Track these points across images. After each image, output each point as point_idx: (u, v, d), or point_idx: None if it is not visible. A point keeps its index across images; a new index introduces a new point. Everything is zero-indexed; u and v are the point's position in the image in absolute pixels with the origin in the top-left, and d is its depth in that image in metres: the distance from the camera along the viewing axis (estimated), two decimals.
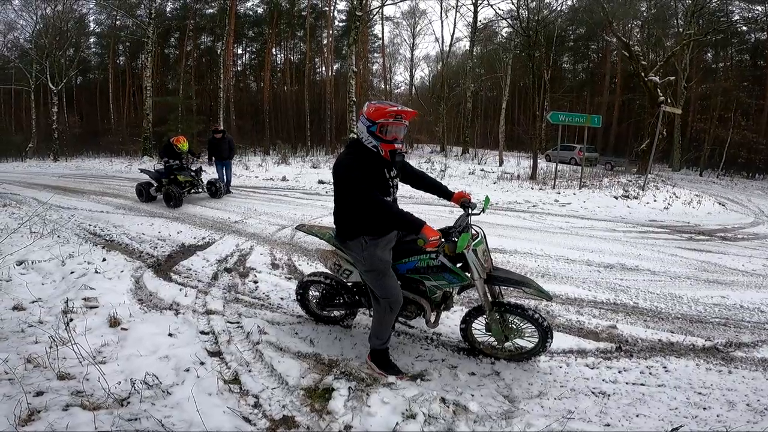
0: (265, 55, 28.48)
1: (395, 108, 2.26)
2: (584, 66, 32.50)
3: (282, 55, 30.80)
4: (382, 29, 29.09)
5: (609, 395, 2.37)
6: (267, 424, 2.05)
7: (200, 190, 7.98)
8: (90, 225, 5.92)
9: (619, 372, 2.62)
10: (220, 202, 7.89)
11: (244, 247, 5.00)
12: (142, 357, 2.51)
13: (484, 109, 32.61)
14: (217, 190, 8.20)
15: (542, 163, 15.78)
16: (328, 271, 2.83)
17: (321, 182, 10.61)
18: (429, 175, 2.81)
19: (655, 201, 9.18)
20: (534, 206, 8.66)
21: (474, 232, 2.44)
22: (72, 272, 3.92)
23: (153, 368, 2.35)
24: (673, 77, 18.65)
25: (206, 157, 9.07)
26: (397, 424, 2.01)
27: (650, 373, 2.61)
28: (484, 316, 2.62)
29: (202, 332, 2.92)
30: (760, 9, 22.71)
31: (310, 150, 22.44)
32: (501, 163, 18.07)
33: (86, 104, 28.79)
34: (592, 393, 2.39)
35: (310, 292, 3.08)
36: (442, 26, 60.10)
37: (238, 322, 3.07)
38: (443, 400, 2.22)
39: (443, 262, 2.44)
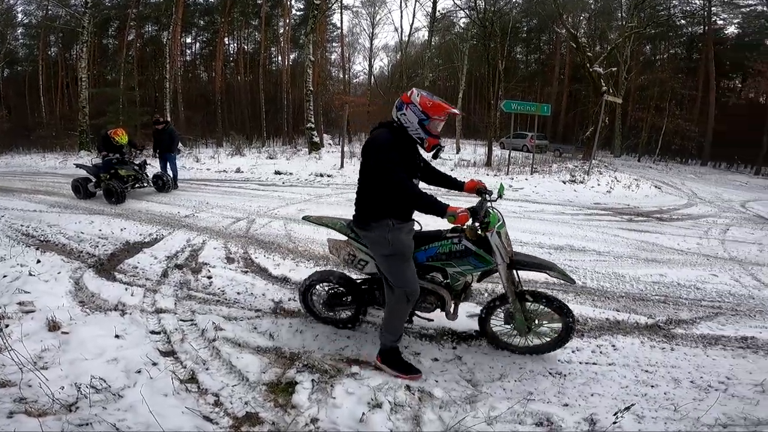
0: (217, 45, 27.12)
1: (452, 109, 2.29)
2: (536, 57, 33.70)
3: (235, 44, 29.48)
4: (341, 18, 28.56)
5: (565, 375, 2.45)
6: (230, 422, 2.00)
7: (145, 184, 7.52)
8: (22, 225, 5.41)
9: (573, 352, 2.70)
10: (168, 197, 7.48)
11: (195, 242, 4.78)
12: (88, 361, 2.36)
13: (443, 97, 33.01)
14: (164, 183, 7.76)
15: (497, 151, 16.31)
16: (334, 269, 2.82)
17: (278, 173, 10.34)
18: (437, 168, 2.74)
19: (598, 185, 9.76)
20: None
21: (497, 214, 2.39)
22: (4, 276, 3.57)
23: (100, 372, 2.21)
24: (615, 68, 19.84)
25: (152, 149, 8.54)
26: (363, 414, 2.01)
27: (600, 352, 2.71)
28: (506, 306, 2.56)
29: (153, 332, 2.77)
30: (697, 2, 24.56)
31: (267, 141, 21.76)
32: (458, 150, 18.48)
33: (14, 97, 26.16)
34: (549, 374, 2.46)
35: (315, 293, 2.89)
36: (401, 16, 60.11)
37: (191, 320, 2.94)
38: (408, 387, 2.24)
39: (467, 246, 2.38)
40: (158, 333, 2.77)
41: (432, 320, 2.79)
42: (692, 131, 23.48)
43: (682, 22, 26.37)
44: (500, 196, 2.57)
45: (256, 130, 24.78)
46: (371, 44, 30.21)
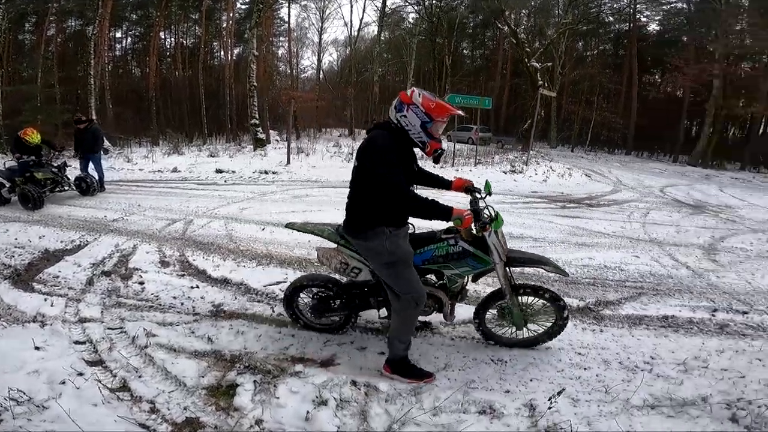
0: (152, 39, 25.29)
1: (456, 110, 2.20)
2: (481, 53, 34.82)
3: (173, 39, 27.70)
4: (289, 12, 27.66)
5: (506, 362, 2.50)
6: (169, 429, 1.92)
7: (66, 188, 6.89)
8: None
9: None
10: (93, 200, 6.91)
11: (125, 246, 4.46)
12: (6, 374, 2.18)
13: (392, 92, 33.34)
14: (89, 186, 7.14)
15: (445, 143, 16.70)
16: (322, 273, 2.69)
17: (219, 171, 9.91)
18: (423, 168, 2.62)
19: (536, 174, 10.36)
20: None
21: (492, 213, 2.33)
22: None
23: (20, 384, 2.06)
24: (551, 63, 21.06)
25: (73, 150, 7.82)
26: (308, 412, 1.99)
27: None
28: (500, 302, 2.56)
29: (77, 342, 2.58)
30: (624, 0, 26.59)
31: (208, 138, 20.73)
32: None
33: None
34: (492, 361, 2.50)
35: (301, 299, 2.75)
36: (351, 11, 59.29)
37: (120, 328, 2.76)
38: (354, 383, 2.24)
39: (464, 248, 2.34)
40: (83, 343, 2.59)
41: (430, 324, 2.81)
42: (618, 123, 25.55)
43: (611, 19, 28.45)
44: (489, 193, 2.55)
45: (196, 127, 23.53)
46: (320, 39, 29.67)
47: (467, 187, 2.57)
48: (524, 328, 2.61)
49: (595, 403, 2.13)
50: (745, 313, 3.38)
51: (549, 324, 2.61)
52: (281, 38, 29.78)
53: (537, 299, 2.57)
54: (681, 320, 3.16)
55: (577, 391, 2.23)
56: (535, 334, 2.64)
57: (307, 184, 8.42)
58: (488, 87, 30.84)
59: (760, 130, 23.73)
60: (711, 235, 5.81)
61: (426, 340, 2.73)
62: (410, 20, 27.52)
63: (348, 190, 2.27)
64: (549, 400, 2.08)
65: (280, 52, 30.09)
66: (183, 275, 3.74)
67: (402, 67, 26.85)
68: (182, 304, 3.17)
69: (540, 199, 8.02)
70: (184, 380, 2.23)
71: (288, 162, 10.78)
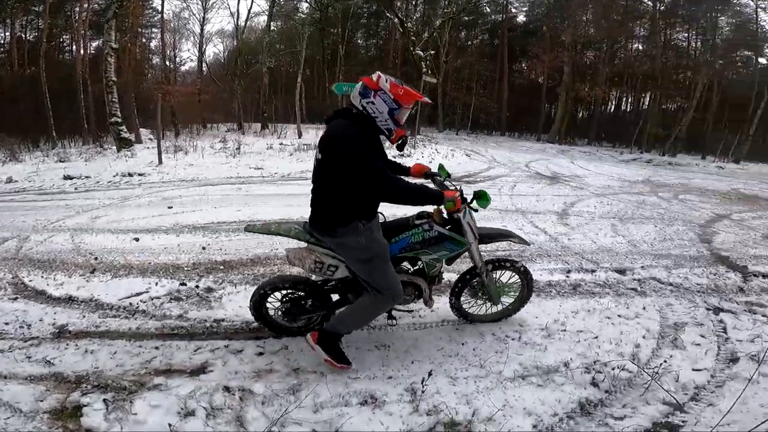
0: None
1: (422, 97, 2.11)
2: (375, 42, 35.49)
3: (7, 33, 22.67)
4: (162, 2, 24.47)
5: (389, 346, 2.48)
6: None
7: None
8: None
9: (396, 320, 2.70)
10: None
11: None
12: None
13: (285, 83, 32.16)
14: None
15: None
16: (288, 274, 2.45)
17: (69, 178, 8.41)
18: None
19: (422, 157, 10.93)
20: None
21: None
22: None
23: None
24: (434, 51, 22.29)
25: None
26: (170, 425, 1.80)
27: (419, 316, 2.82)
28: (476, 280, 2.59)
29: None
30: None
31: (59, 141, 17.53)
32: (300, 135, 18.22)
33: None
34: (375, 347, 2.47)
35: (269, 304, 2.50)
36: (238, 1, 54.84)
37: None
38: (227, 388, 2.10)
39: (440, 231, 2.30)
40: None
41: (412, 311, 2.72)
42: (493, 107, 28.35)
43: (488, 10, 31.15)
44: (448, 175, 2.58)
45: (44, 130, 19.72)
46: (202, 30, 27.01)
47: (426, 173, 2.57)
48: (499, 302, 2.70)
49: (472, 379, 2.20)
50: (593, 271, 3.84)
51: (518, 294, 2.74)
52: (154, 29, 26.51)
53: (505, 271, 2.68)
54: (542, 284, 3.42)
55: (456, 369, 2.27)
56: (508, 305, 2.76)
57: (181, 184, 7.63)
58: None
59: (602, 110, 28.51)
60: (564, 201, 6.75)
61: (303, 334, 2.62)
62: (303, 10, 26.78)
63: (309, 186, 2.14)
64: (421, 383, 2.08)
65: (153, 44, 26.82)
66: (16, 298, 3.10)
67: (295, 57, 26.03)
68: (15, 329, 2.64)
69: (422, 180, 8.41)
70: (19, 406, 1.95)
71: (160, 162, 9.64)
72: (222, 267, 3.70)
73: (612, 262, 4.16)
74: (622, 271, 3.90)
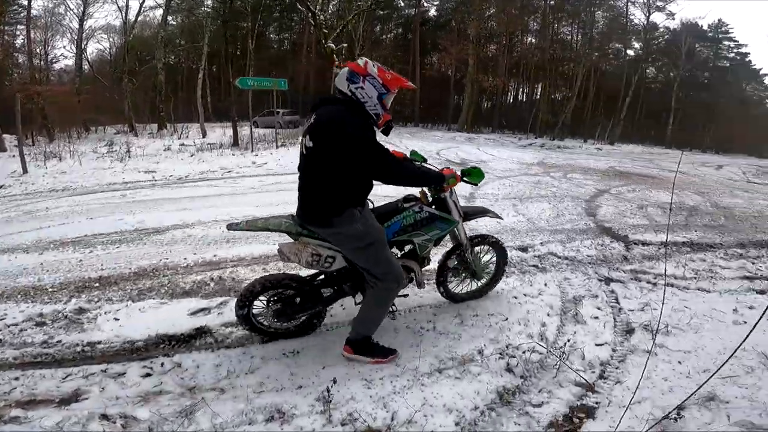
0: None
1: (408, 83, 2.13)
2: (288, 36, 34.12)
3: None
4: None
5: (298, 352, 2.29)
6: None
7: None
8: None
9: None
10: None
11: None
12: None
13: (187, 80, 29.53)
14: None
15: (258, 131, 15.73)
16: (273, 273, 2.42)
17: None
18: None
19: None
20: (229, 171, 8.44)
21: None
22: None
23: None
24: (346, 44, 22.01)
25: None
26: None
27: (330, 315, 2.61)
28: (461, 257, 2.70)
29: None
30: None
31: None
32: (204, 134, 16.80)
33: None
34: (283, 355, 2.27)
35: (257, 309, 2.32)
36: None
37: None
38: (105, 416, 1.83)
39: (430, 212, 2.37)
40: None
41: (407, 295, 2.62)
42: (407, 99, 29.06)
43: (402, 4, 31.60)
44: (424, 160, 2.70)
45: None
46: (81, 25, 23.33)
47: (404, 158, 2.55)
48: (480, 277, 2.83)
49: (388, 379, 2.06)
50: None
51: (494, 268, 2.90)
52: (19, 26, 22.41)
53: (485, 246, 2.84)
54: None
55: (370, 370, 2.13)
56: (487, 280, 2.90)
57: (50, 195, 6.47)
58: (296, 70, 30.65)
59: (503, 101, 30.75)
60: (471, 186, 6.98)
61: (206, 347, 2.35)
62: (208, 3, 24.68)
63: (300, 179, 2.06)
64: (327, 392, 1.91)
65: (18, 41, 22.73)
66: None
67: (198, 52, 23.94)
68: None
69: None
70: None
71: (24, 171, 8.10)
72: (98, 284, 3.19)
73: (515, 240, 4.34)
74: (524, 249, 4.08)
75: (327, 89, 25.66)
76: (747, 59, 37.22)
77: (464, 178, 2.42)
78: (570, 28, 30.39)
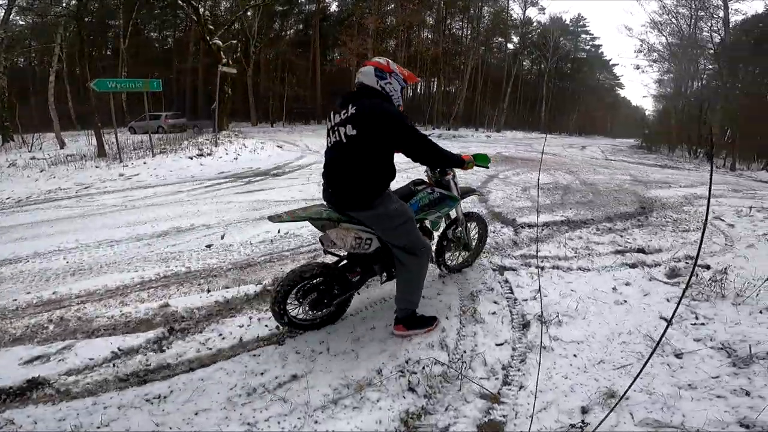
0: None
1: (416, 78, 2.36)
2: (171, 33, 30.76)
3: None
4: None
5: (165, 397, 1.89)
6: None
7: None
8: None
9: (174, 362, 2.17)
10: None
11: None
12: None
13: (40, 84, 24.88)
14: None
15: (135, 138, 13.64)
16: (307, 263, 2.47)
17: None
18: None
19: (227, 154, 9.69)
20: (87, 188, 7.06)
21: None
22: None
23: None
24: (236, 41, 20.37)
25: None
26: None
27: (208, 348, 2.27)
28: (456, 232, 3.04)
29: None
30: None
31: None
32: (62, 145, 14.17)
33: None
34: (146, 401, 1.86)
35: (293, 302, 2.30)
36: None
37: None
38: None
39: (441, 193, 2.69)
40: None
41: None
42: (307, 96, 28.24)
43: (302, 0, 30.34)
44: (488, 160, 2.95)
45: None
46: None
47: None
48: (470, 249, 3.21)
49: (275, 420, 1.74)
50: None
51: (479, 240, 3.31)
52: None
53: (472, 222, 3.22)
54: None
55: (254, 410, 1.79)
56: (473, 251, 3.27)
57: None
58: (180, 69, 27.85)
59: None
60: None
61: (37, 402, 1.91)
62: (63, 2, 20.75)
63: None
64: None
65: None
66: None
67: (51, 53, 20.23)
68: None
69: (225, 179, 7.42)
70: None
71: None
72: None
73: None
74: None
75: (216, 88, 23.85)
76: (600, 51, 43.48)
77: (477, 163, 2.66)
78: (461, 23, 32.37)
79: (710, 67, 19.93)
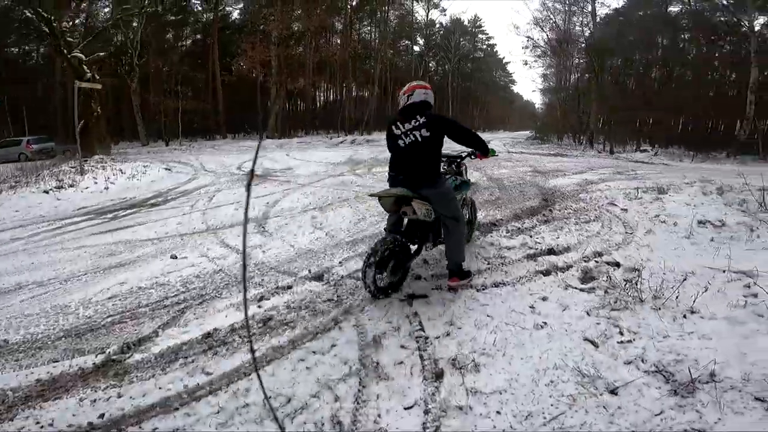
0: None
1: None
2: (35, 48, 26.41)
3: None
4: None
5: None
6: None
7: None
8: None
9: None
10: None
11: None
12: None
13: None
14: None
15: None
16: (383, 238, 2.83)
17: None
18: None
19: (95, 183, 8.09)
20: None
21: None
22: None
23: None
24: (104, 53, 17.78)
25: None
26: None
27: None
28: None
29: None
30: None
31: None
32: None
33: None
34: None
35: (378, 268, 2.74)
36: None
37: None
38: None
39: (462, 179, 3.48)
40: None
41: None
42: (208, 109, 26.04)
43: (199, 8, 27.73)
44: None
45: None
46: None
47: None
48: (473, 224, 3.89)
49: None
50: (289, 287, 3.14)
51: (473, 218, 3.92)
52: None
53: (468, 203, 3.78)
54: (223, 333, 2.51)
55: None
56: (473, 227, 3.89)
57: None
58: (54, 86, 23.95)
59: (316, 102, 30.65)
60: (267, 202, 5.95)
61: None
62: None
63: None
64: None
65: None
66: None
67: None
68: None
69: (83, 217, 5.98)
70: None
71: None
72: None
73: (311, 266, 3.58)
74: (320, 277, 3.33)
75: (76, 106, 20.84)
76: (495, 50, 46.85)
77: (492, 154, 3.22)
78: (369, 28, 32.47)
79: (583, 60, 22.20)
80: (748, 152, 14.46)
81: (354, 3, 29.90)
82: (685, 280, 2.70)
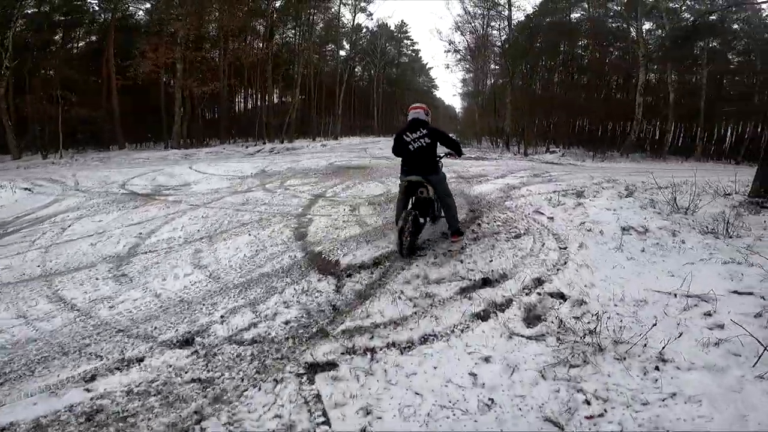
0: None
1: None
2: None
3: None
4: None
5: None
6: None
7: None
8: None
9: None
10: None
11: None
12: None
13: None
14: None
15: None
16: (405, 210, 3.74)
17: None
18: None
19: None
20: None
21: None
22: None
23: None
24: None
25: None
26: None
27: None
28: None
29: None
30: None
31: None
32: None
33: None
34: None
35: (409, 230, 3.60)
36: None
37: None
38: None
39: (443, 173, 4.12)
40: None
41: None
42: (101, 117, 22.72)
43: (96, 8, 24.03)
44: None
45: None
46: None
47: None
48: None
49: None
50: (140, 360, 2.23)
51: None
52: None
53: None
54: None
55: None
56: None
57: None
58: None
59: (232, 109, 28.33)
60: (140, 231, 4.68)
61: None
62: None
63: None
64: None
65: None
66: None
67: None
68: None
69: None
70: None
71: None
72: None
73: (178, 324, 2.63)
74: (188, 341, 2.42)
75: None
76: (419, 55, 47.81)
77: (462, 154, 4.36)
78: (294, 31, 30.92)
79: (498, 64, 23.14)
80: (638, 150, 16.05)
81: (277, 5, 28.35)
82: (651, 325, 2.24)
